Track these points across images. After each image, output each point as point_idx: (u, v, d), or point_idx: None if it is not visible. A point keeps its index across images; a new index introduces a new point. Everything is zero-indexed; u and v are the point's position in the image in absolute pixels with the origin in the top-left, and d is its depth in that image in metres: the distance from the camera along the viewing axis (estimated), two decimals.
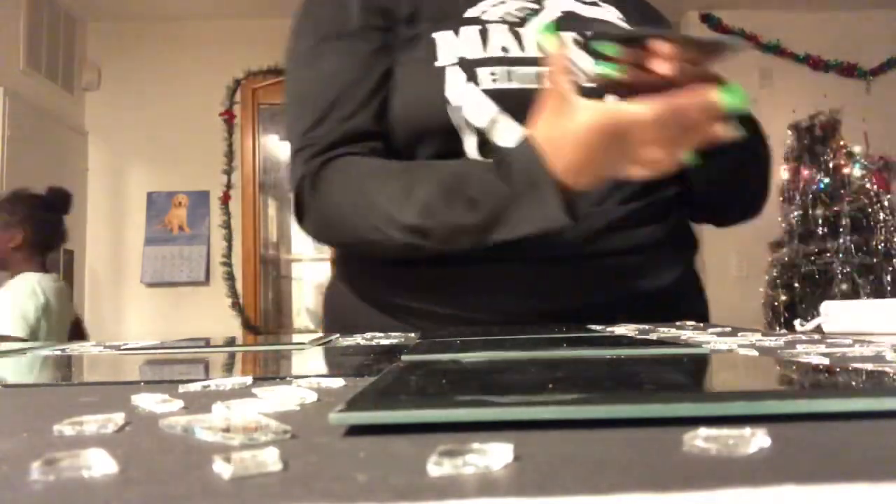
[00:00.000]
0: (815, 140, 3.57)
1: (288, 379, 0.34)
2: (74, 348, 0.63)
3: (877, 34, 4.06)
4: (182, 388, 0.31)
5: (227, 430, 0.20)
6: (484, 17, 0.88)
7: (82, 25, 3.97)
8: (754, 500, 0.14)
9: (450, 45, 0.85)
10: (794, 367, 0.32)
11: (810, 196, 3.52)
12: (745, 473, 0.15)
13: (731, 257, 3.95)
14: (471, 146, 0.83)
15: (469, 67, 0.84)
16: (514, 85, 0.83)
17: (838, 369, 0.30)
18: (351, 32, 0.87)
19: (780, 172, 3.71)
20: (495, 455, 0.16)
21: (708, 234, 4.19)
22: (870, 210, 3.41)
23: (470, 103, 0.82)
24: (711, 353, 0.38)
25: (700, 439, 0.17)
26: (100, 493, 0.15)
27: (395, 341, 0.60)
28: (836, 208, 3.43)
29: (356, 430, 0.21)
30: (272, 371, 0.41)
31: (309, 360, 0.46)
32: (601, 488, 0.14)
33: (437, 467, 0.16)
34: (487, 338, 0.54)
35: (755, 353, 0.39)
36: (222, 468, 0.16)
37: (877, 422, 0.20)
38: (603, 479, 0.15)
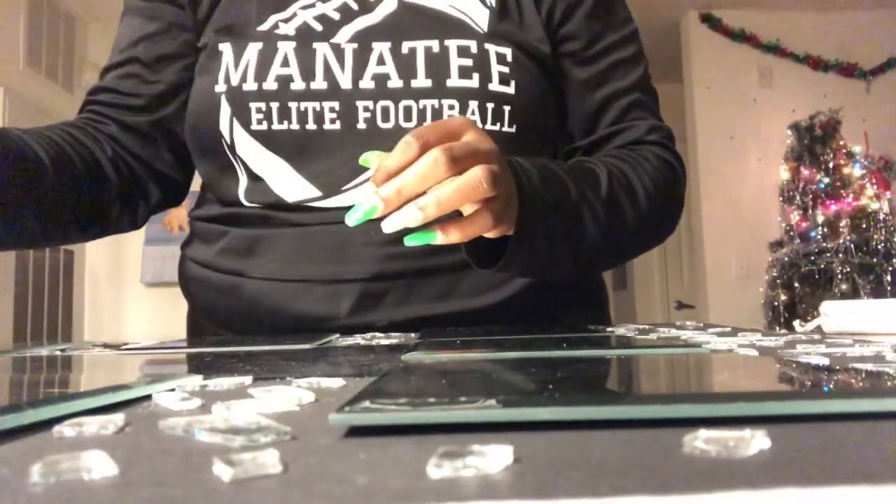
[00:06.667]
0: (815, 140, 3.58)
1: (288, 379, 0.34)
2: (75, 348, 0.63)
3: (877, 34, 4.05)
4: (181, 389, 0.31)
5: (227, 431, 0.20)
6: (278, 31, 0.75)
7: (82, 25, 3.97)
8: (755, 502, 0.14)
9: (230, 65, 0.74)
10: (794, 368, 0.32)
11: (810, 196, 3.52)
12: (746, 475, 0.15)
13: (731, 257, 3.95)
14: (241, 188, 0.76)
15: (238, 101, 0.73)
16: (287, 126, 0.72)
17: (838, 369, 0.30)
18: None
19: (781, 172, 3.72)
20: (495, 457, 0.16)
21: (708, 234, 4.18)
22: (870, 210, 3.41)
23: (240, 144, 0.74)
24: (711, 354, 0.38)
25: (700, 441, 0.17)
26: (100, 496, 0.15)
27: (395, 341, 0.60)
28: (836, 208, 3.43)
29: (356, 431, 0.21)
30: (272, 371, 0.41)
31: (308, 361, 0.46)
32: (601, 491, 0.14)
33: (437, 469, 0.16)
34: (487, 338, 0.54)
35: (755, 353, 0.39)
36: (222, 470, 0.16)
37: (877, 422, 0.20)
38: (603, 481, 0.15)
